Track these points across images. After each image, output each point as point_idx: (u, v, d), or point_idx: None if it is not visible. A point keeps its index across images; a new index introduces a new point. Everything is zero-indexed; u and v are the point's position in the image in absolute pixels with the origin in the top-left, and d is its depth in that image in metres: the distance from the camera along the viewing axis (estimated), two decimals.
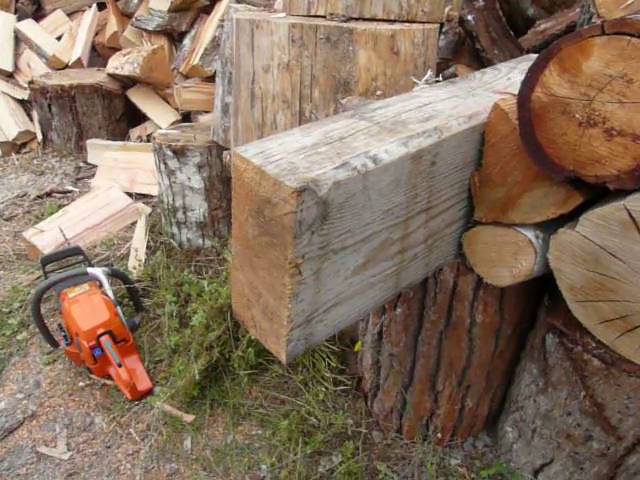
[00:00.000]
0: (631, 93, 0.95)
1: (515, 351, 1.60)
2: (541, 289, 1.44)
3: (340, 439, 1.75)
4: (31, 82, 4.01)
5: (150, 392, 1.98)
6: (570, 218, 1.16)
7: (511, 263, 1.26)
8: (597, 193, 1.12)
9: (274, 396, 1.92)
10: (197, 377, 1.88)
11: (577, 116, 1.03)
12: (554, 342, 1.35)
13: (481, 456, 1.72)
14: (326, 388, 1.86)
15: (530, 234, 1.22)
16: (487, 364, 1.57)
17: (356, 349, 1.86)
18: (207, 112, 3.77)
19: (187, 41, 4.21)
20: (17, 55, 4.49)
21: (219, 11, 3.97)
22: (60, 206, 3.30)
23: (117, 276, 2.28)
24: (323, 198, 0.93)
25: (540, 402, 1.46)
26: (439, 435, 1.70)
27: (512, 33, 2.37)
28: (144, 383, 1.98)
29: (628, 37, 0.94)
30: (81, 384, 2.07)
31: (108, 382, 2.04)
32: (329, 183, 0.93)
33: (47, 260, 2.38)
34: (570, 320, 1.27)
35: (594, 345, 1.25)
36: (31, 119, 4.29)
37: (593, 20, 1.73)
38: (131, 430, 1.88)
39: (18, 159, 4.06)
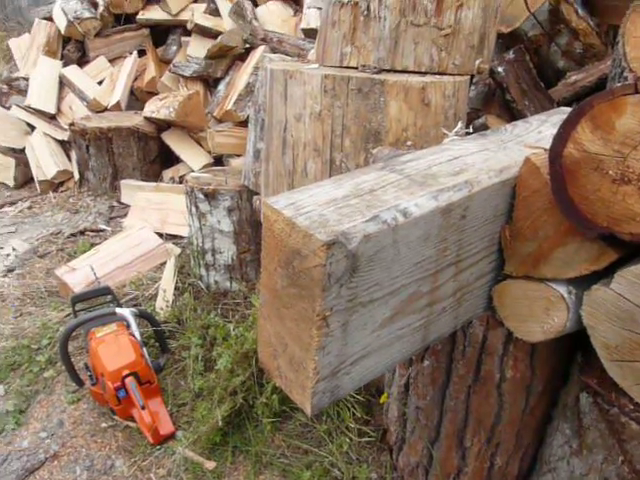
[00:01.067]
0: None
1: (546, 409, 1.55)
2: (574, 345, 1.41)
3: None
4: (72, 124, 4.16)
5: (172, 436, 1.97)
6: (604, 274, 1.14)
7: (542, 318, 1.23)
8: (632, 250, 1.10)
9: (297, 445, 1.88)
10: (220, 423, 1.87)
11: (611, 173, 1.02)
12: (588, 402, 1.30)
13: None
14: (350, 439, 1.82)
15: (562, 289, 1.20)
16: (517, 421, 1.52)
17: (382, 400, 1.82)
18: (239, 156, 3.84)
19: (222, 87, 4.33)
20: (60, 98, 4.68)
21: (253, 59, 4.09)
22: (92, 244, 3.36)
23: (144, 317, 2.30)
24: (353, 251, 0.93)
25: (574, 465, 1.40)
26: None
27: (542, 85, 2.38)
28: (167, 427, 1.97)
29: None
30: (104, 425, 2.07)
31: (131, 424, 2.03)
32: (359, 236, 0.93)
33: (77, 299, 2.41)
34: (605, 379, 1.23)
35: (632, 407, 1.21)
36: (69, 159, 4.43)
37: (625, 74, 1.72)
38: (152, 475, 1.86)
39: (55, 197, 4.18)
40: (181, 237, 3.37)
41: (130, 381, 1.94)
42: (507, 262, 1.26)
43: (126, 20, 4.89)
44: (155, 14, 4.75)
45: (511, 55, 2.32)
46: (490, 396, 1.46)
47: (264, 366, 1.19)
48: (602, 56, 2.36)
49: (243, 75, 4.14)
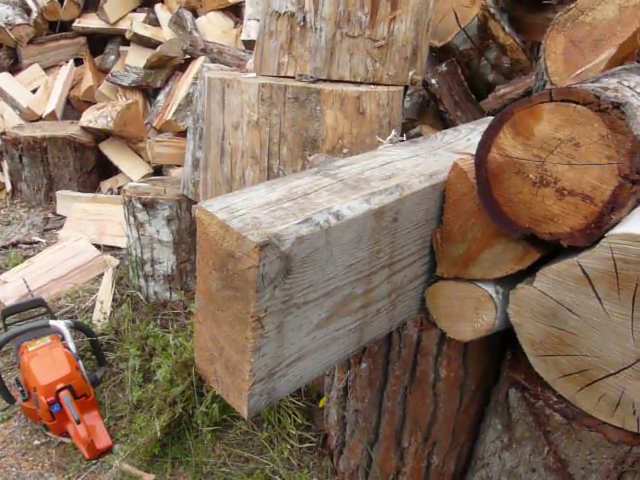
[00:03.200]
0: (579, 156, 1.01)
1: (480, 407, 1.60)
2: (504, 344, 1.46)
3: None
4: (3, 133, 4.02)
5: (109, 450, 1.92)
6: (528, 274, 1.19)
7: (473, 318, 1.28)
8: (553, 250, 1.16)
9: (238, 454, 1.87)
10: (159, 434, 1.83)
11: (531, 176, 1.08)
12: (517, 397, 1.36)
13: None
14: (291, 445, 1.83)
15: (490, 289, 1.25)
16: (452, 420, 1.56)
17: (321, 405, 1.84)
18: (178, 166, 3.80)
19: (161, 97, 4.29)
20: None
21: (193, 69, 4.07)
22: (26, 257, 3.25)
23: (80, 329, 2.24)
24: (286, 253, 0.94)
25: (505, 459, 1.46)
26: None
27: (473, 96, 2.48)
28: (103, 441, 1.91)
29: (574, 104, 1.00)
30: (36, 442, 1.99)
31: (65, 440, 1.97)
32: (292, 238, 0.94)
33: (8, 312, 2.32)
34: (532, 375, 1.28)
35: (555, 399, 1.26)
36: (1, 170, 4.27)
37: (547, 87, 1.82)
38: None
39: None
40: (119, 248, 3.30)
41: (64, 395, 1.88)
42: (439, 264, 1.31)
43: (62, 28, 4.77)
44: (92, 22, 4.66)
45: (444, 68, 2.41)
46: (426, 396, 1.50)
47: (201, 371, 1.19)
48: (528, 70, 2.49)
49: (183, 85, 4.11)
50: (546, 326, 1.18)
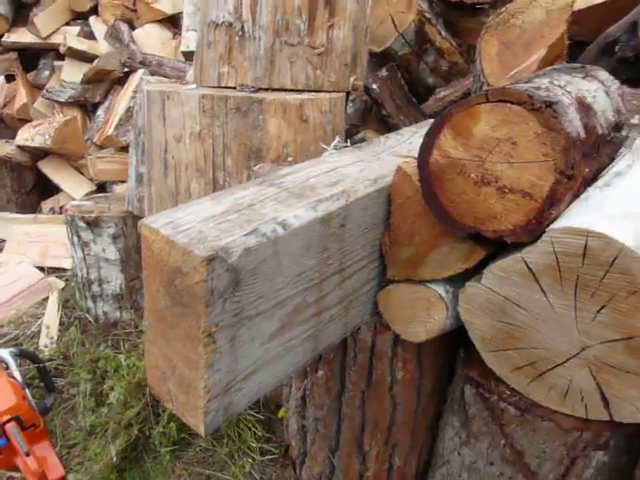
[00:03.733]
0: (517, 154, 1.03)
1: (438, 406, 1.62)
2: (457, 343, 1.49)
3: None
4: None
5: None
6: (476, 272, 1.22)
7: (424, 318, 1.29)
8: (498, 247, 1.18)
9: (199, 472, 1.83)
10: (115, 459, 1.78)
11: (472, 176, 1.10)
12: (472, 393, 1.38)
13: None
14: (253, 459, 1.81)
15: (440, 289, 1.27)
16: (411, 421, 1.57)
17: (280, 415, 1.83)
18: (123, 182, 3.72)
19: (101, 112, 4.19)
20: None
21: (133, 83, 3.99)
22: None
23: (26, 356, 2.15)
24: (233, 265, 0.93)
25: (464, 454, 1.48)
26: None
27: (415, 100, 2.53)
28: (56, 471, 1.84)
29: (509, 104, 1.02)
30: None
31: (14, 474, 1.88)
32: (239, 250, 0.93)
33: None
34: (485, 370, 1.31)
35: (509, 393, 1.29)
36: None
37: (484, 88, 1.87)
38: None
39: None
40: (64, 270, 3.20)
41: (11, 427, 1.80)
42: (389, 267, 1.32)
43: None
44: (23, 37, 4.51)
45: (384, 73, 2.44)
46: (383, 399, 1.51)
47: (154, 391, 1.16)
48: (465, 73, 2.55)
49: (123, 99, 4.03)
50: (495, 322, 1.20)
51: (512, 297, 1.15)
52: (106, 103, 4.21)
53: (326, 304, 1.21)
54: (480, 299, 1.20)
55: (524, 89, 1.05)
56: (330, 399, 1.54)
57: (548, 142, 1.01)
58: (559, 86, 1.19)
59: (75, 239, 2.53)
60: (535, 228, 1.05)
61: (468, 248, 1.20)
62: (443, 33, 2.50)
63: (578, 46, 2.19)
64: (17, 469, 1.86)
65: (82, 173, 4.04)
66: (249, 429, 1.85)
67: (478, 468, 1.45)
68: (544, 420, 1.26)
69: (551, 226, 1.05)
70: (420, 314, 1.30)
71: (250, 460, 1.80)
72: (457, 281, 1.26)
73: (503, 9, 1.82)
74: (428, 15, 2.47)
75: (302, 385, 1.59)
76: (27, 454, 1.76)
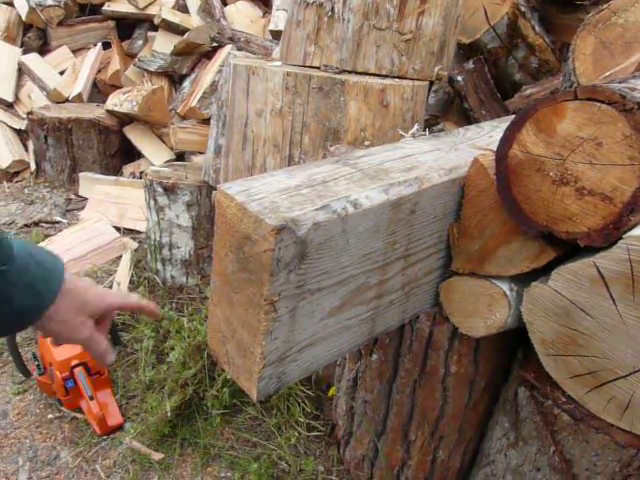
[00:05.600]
0: (600, 155, 1.00)
1: (488, 404, 1.60)
2: (515, 343, 1.46)
3: None
4: (30, 113, 4.07)
5: (120, 427, 1.95)
6: (543, 272, 1.19)
7: (485, 314, 1.28)
8: (569, 249, 1.15)
9: (246, 438, 1.89)
10: (169, 415, 1.86)
11: (551, 174, 1.07)
12: (525, 395, 1.36)
13: None
14: (299, 433, 1.84)
15: (505, 287, 1.25)
16: (460, 416, 1.56)
17: (330, 394, 1.85)
18: (201, 153, 3.83)
19: (187, 84, 4.31)
20: (19, 86, 4.58)
21: (220, 57, 4.09)
22: (46, 236, 3.30)
23: None
24: (302, 238, 0.95)
25: (511, 456, 1.46)
26: None
27: (499, 96, 2.47)
28: (115, 418, 1.95)
29: (599, 103, 0.99)
30: (50, 416, 2.03)
31: (78, 415, 2.01)
32: (308, 224, 0.95)
33: None
34: (542, 374, 1.28)
35: (564, 400, 1.26)
36: (26, 149, 4.33)
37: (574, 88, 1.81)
38: (97, 466, 1.84)
39: (9, 187, 4.07)
40: (139, 232, 3.34)
41: (79, 371, 1.92)
42: (454, 259, 1.31)
43: (91, 11, 4.82)
44: (122, 7, 4.70)
45: (470, 65, 2.40)
46: (435, 390, 1.50)
47: (213, 353, 1.20)
48: (556, 71, 2.46)
49: (209, 73, 4.13)
50: (558, 325, 1.17)
51: (579, 302, 1.12)
52: (192, 75, 4.33)
53: (388, 288, 1.22)
54: (545, 301, 1.17)
55: (617, 88, 1.01)
56: (381, 384, 1.55)
57: (636, 145, 0.97)
58: None
59: (152, 203, 2.64)
60: (611, 233, 1.02)
61: (538, 247, 1.17)
62: (537, 28, 2.42)
63: None
64: (81, 411, 1.99)
65: (163, 141, 4.18)
66: (298, 404, 1.89)
67: (524, 472, 1.42)
68: (599, 432, 1.22)
69: (629, 233, 1.01)
70: (481, 309, 1.28)
71: (296, 434, 1.84)
72: (523, 280, 1.24)
73: (605, 6, 1.74)
74: (523, 8, 2.40)
75: (355, 367, 1.60)
76: (91, 398, 1.87)
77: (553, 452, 1.31)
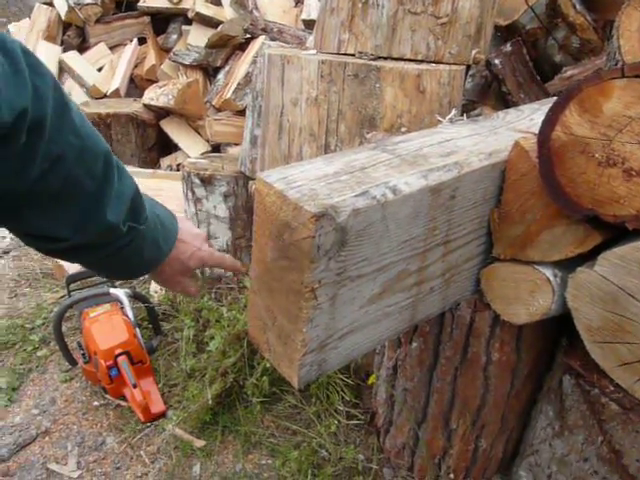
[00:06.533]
0: None
1: (532, 393, 1.58)
2: (559, 330, 1.43)
3: (350, 474, 1.73)
4: None
5: (163, 415, 1.99)
6: (589, 258, 1.16)
7: (528, 301, 1.26)
8: (616, 233, 1.12)
9: (286, 426, 1.91)
10: (210, 402, 1.89)
11: (596, 156, 1.04)
12: (571, 384, 1.33)
13: None
14: (339, 421, 1.85)
15: (548, 272, 1.22)
16: (502, 404, 1.54)
17: (370, 382, 1.85)
18: (237, 144, 3.85)
19: (221, 76, 4.34)
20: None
21: (253, 49, 4.10)
22: None
23: (138, 298, 2.32)
24: (342, 224, 0.95)
25: (556, 446, 1.43)
26: (451, 476, 1.67)
27: (539, 78, 2.40)
28: (158, 405, 1.98)
29: None
30: (95, 403, 2.09)
31: (122, 403, 2.06)
32: (348, 210, 0.95)
33: (72, 279, 2.42)
34: (588, 362, 1.25)
35: (612, 388, 1.23)
36: None
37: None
38: (141, 452, 1.88)
39: None
40: None
41: (122, 360, 1.96)
42: (495, 245, 1.29)
43: (127, 7, 4.89)
44: (156, 2, 4.75)
45: (508, 48, 2.34)
46: (476, 378, 1.48)
47: (254, 340, 1.21)
48: (599, 51, 2.39)
49: (243, 64, 4.15)
50: (605, 312, 1.14)
51: (627, 287, 1.09)
52: (227, 67, 4.35)
53: (428, 275, 1.20)
54: (591, 286, 1.14)
55: None
56: (421, 372, 1.54)
57: None
58: None
59: (189, 194, 2.66)
60: None
61: (583, 232, 1.14)
62: (578, 6, 2.34)
63: None
64: (125, 399, 2.03)
65: (199, 134, 4.22)
66: (337, 392, 1.90)
67: (570, 462, 1.40)
68: None
69: None
70: (524, 296, 1.26)
71: (336, 422, 1.84)
72: (567, 266, 1.21)
73: None
74: None
75: (395, 355, 1.60)
76: (134, 386, 1.91)
77: (601, 442, 1.28)
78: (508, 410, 1.56)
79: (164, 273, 1.08)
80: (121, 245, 0.89)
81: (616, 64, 1.74)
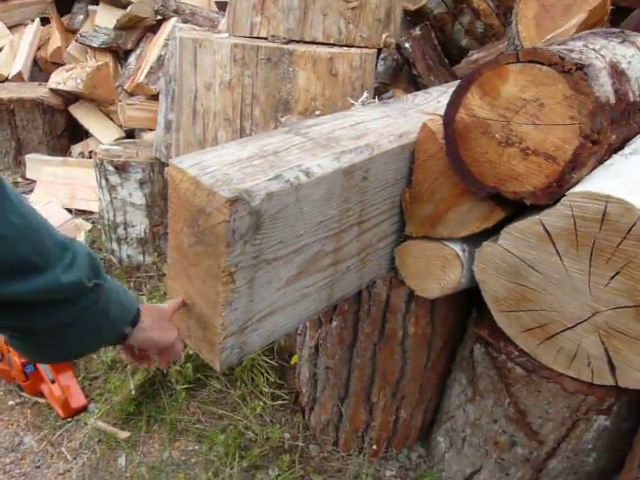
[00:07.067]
0: (543, 116, 1.03)
1: (447, 364, 1.66)
2: (470, 302, 1.51)
3: (277, 453, 1.75)
4: None
5: (84, 409, 1.93)
6: (493, 233, 1.23)
7: (440, 276, 1.32)
8: (517, 209, 1.19)
9: (212, 411, 1.91)
10: (133, 393, 1.86)
11: (497, 136, 1.10)
12: (481, 352, 1.41)
13: (415, 467, 1.76)
14: (264, 403, 1.87)
15: (457, 248, 1.28)
16: (420, 376, 1.61)
17: (293, 362, 1.88)
18: (151, 130, 3.74)
19: (132, 59, 4.19)
20: None
21: (165, 31, 3.97)
22: None
23: None
24: (256, 208, 0.96)
25: (469, 411, 1.52)
26: (374, 447, 1.74)
27: (447, 61, 2.49)
28: (78, 400, 1.93)
29: (540, 65, 1.02)
30: (11, 403, 2.00)
31: (40, 400, 1.98)
32: (262, 194, 0.96)
33: None
34: (495, 330, 1.33)
35: (517, 354, 1.32)
36: None
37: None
38: (62, 449, 1.83)
39: None
40: (91, 212, 3.26)
41: None
42: (407, 223, 1.34)
43: None
44: None
45: (417, 32, 2.41)
46: (394, 353, 1.54)
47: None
48: (501, 36, 2.50)
49: (155, 47, 4.02)
50: (509, 283, 1.22)
51: (527, 259, 1.16)
52: (138, 50, 4.20)
53: (344, 255, 1.24)
54: (496, 259, 1.22)
55: (556, 50, 1.04)
56: (342, 349, 1.58)
57: (575, 105, 1.01)
58: (593, 50, 1.17)
59: (103, 182, 2.58)
60: (555, 191, 1.06)
61: (488, 208, 1.21)
62: None
63: (622, 12, 2.14)
64: (42, 395, 1.96)
65: (112, 119, 4.06)
66: (262, 374, 1.91)
67: (481, 425, 1.49)
68: (549, 382, 1.29)
69: (571, 190, 1.05)
70: (435, 271, 1.32)
71: (261, 404, 1.86)
72: (474, 241, 1.28)
73: None
74: None
75: (316, 334, 1.63)
76: (52, 382, 1.85)
77: (508, 404, 1.37)
78: (425, 381, 1.64)
79: (149, 330, 1.00)
80: (88, 303, 0.85)
81: (515, 48, 1.84)
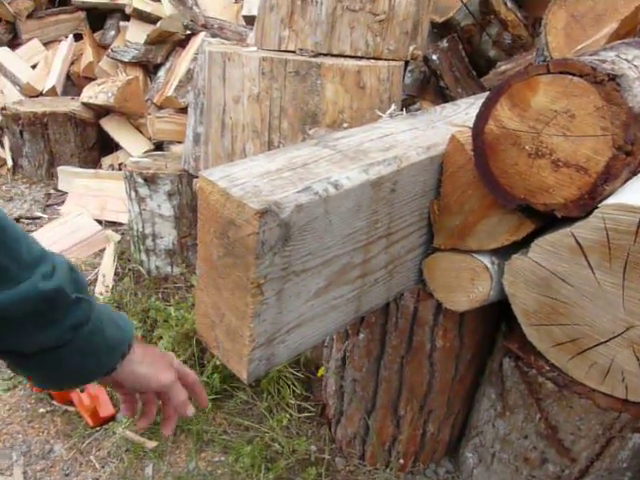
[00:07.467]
0: (574, 127, 1.02)
1: (475, 377, 1.64)
2: (499, 316, 1.49)
3: (303, 465, 1.75)
4: (3, 108, 4.00)
5: (112, 418, 1.95)
6: (523, 245, 1.22)
7: (468, 289, 1.31)
8: (547, 221, 1.18)
9: (238, 422, 1.91)
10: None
11: (527, 147, 1.09)
12: (510, 366, 1.39)
13: None
14: (290, 415, 1.87)
15: (486, 260, 1.27)
16: (448, 389, 1.60)
17: (319, 374, 1.88)
18: (179, 142, 3.80)
19: (162, 73, 4.27)
20: None
21: (194, 45, 4.04)
22: (28, 232, 3.26)
23: None
24: (285, 220, 0.97)
25: (498, 426, 1.50)
26: (401, 461, 1.72)
27: (474, 73, 2.48)
28: (107, 409, 1.95)
29: (570, 76, 1.01)
30: (41, 410, 2.03)
31: (70, 408, 2.01)
32: (291, 206, 0.97)
33: None
34: (525, 344, 1.31)
35: (548, 368, 1.30)
36: (1, 145, 4.27)
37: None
38: (91, 457, 1.85)
39: None
40: (121, 224, 3.32)
41: None
42: (436, 235, 1.33)
43: (61, 2, 4.73)
44: None
45: (445, 44, 2.41)
46: (422, 366, 1.53)
47: (202, 338, 1.22)
48: (529, 47, 2.48)
49: (183, 61, 4.09)
50: (540, 296, 1.20)
51: (559, 272, 1.15)
52: (167, 64, 4.28)
53: (372, 267, 1.23)
54: (526, 272, 1.20)
55: (588, 61, 1.03)
56: (369, 362, 1.58)
57: (608, 116, 0.99)
58: (626, 60, 1.16)
59: (132, 194, 2.62)
60: (587, 203, 1.05)
61: (517, 220, 1.20)
62: (509, 4, 2.43)
63: None
64: (72, 404, 1.99)
65: (141, 132, 4.13)
66: (288, 386, 1.91)
67: (511, 441, 1.46)
68: (582, 397, 1.26)
69: (604, 202, 1.04)
70: (464, 284, 1.31)
71: (288, 416, 1.86)
72: (504, 253, 1.27)
73: None
74: None
75: (343, 347, 1.63)
76: (82, 391, 1.87)
77: (539, 419, 1.34)
78: (453, 395, 1.62)
79: (134, 353, 0.88)
80: (75, 322, 0.77)
81: (544, 59, 1.82)
